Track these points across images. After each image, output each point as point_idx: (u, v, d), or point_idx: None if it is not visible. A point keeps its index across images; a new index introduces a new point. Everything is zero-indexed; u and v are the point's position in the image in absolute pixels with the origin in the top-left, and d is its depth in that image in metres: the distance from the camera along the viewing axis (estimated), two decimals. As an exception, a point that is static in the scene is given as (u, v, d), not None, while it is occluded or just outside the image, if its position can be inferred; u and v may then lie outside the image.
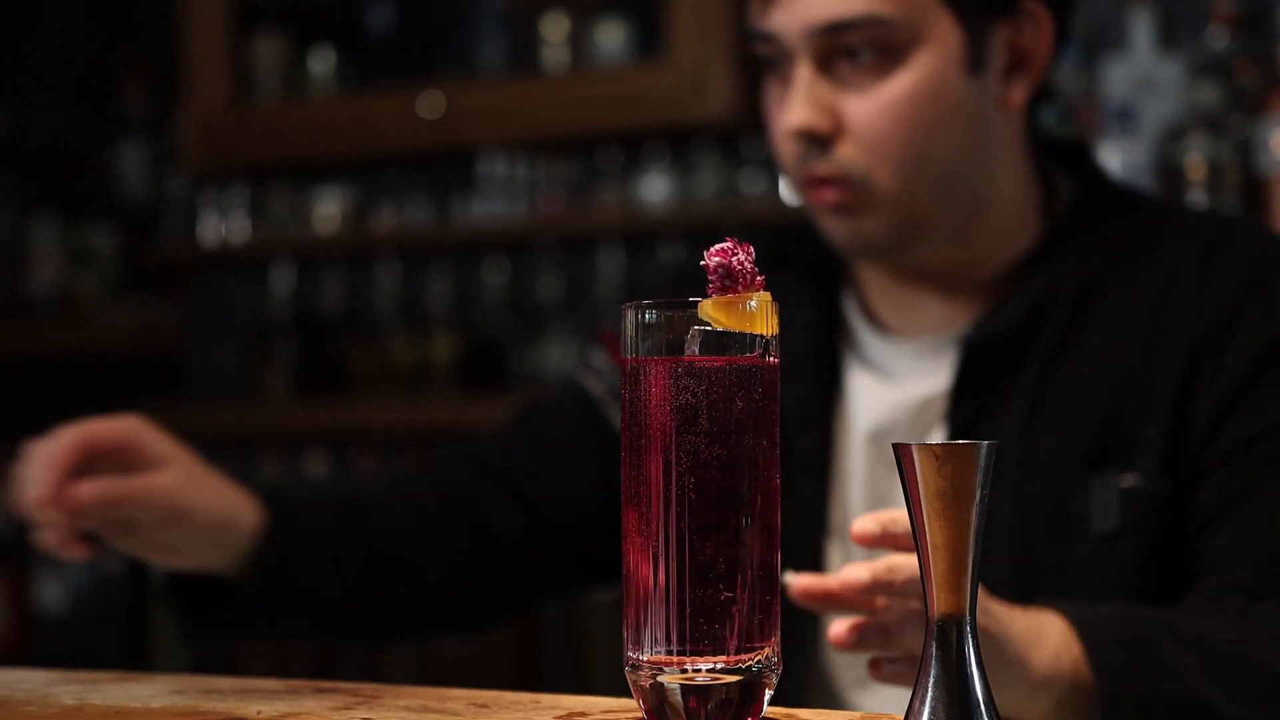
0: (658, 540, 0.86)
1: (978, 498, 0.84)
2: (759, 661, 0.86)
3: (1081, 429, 1.32)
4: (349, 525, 1.41)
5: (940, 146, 1.35)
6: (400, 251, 3.15)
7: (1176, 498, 1.31)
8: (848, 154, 1.34)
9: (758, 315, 0.87)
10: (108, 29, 3.55)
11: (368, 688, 1.01)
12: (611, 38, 2.92)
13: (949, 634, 0.85)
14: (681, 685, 0.85)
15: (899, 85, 1.33)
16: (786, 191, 1.46)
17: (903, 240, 1.38)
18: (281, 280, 3.24)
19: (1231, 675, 1.18)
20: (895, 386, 1.42)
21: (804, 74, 1.34)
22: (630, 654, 0.87)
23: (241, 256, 3.27)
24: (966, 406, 1.36)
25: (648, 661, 0.86)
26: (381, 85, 3.12)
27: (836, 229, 1.38)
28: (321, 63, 3.18)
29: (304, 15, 3.24)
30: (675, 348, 0.87)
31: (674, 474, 0.86)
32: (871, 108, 1.33)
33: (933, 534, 0.84)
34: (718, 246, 0.88)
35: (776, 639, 0.87)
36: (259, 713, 0.93)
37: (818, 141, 1.34)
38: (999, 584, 1.21)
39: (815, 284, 1.48)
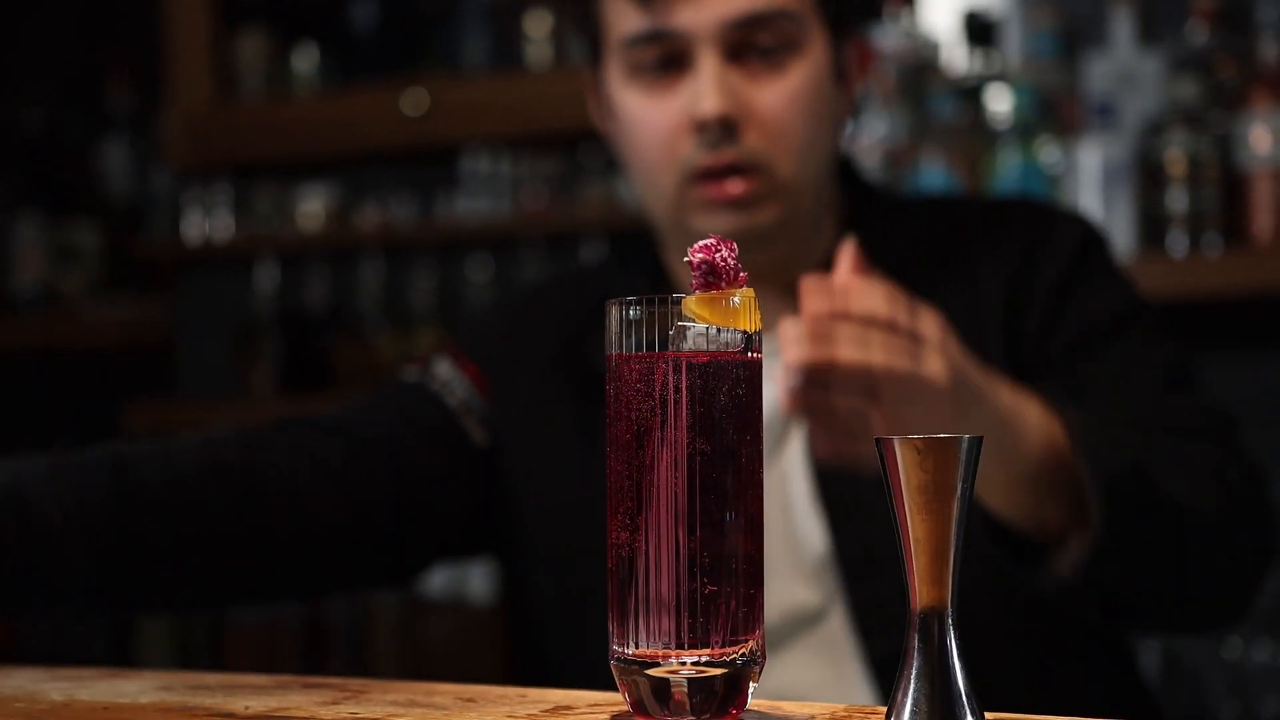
0: (643, 535, 0.86)
1: (959, 491, 0.85)
2: (744, 654, 0.87)
3: None
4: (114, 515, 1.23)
5: (821, 139, 1.47)
6: (384, 248, 3.15)
7: None
8: (753, 141, 1.41)
9: (741, 311, 0.88)
10: (92, 27, 3.55)
11: (355, 683, 1.01)
12: (595, 34, 2.92)
13: (931, 626, 0.85)
14: (667, 678, 0.86)
15: (799, 76, 1.43)
16: (644, 202, 1.52)
17: (779, 231, 1.45)
18: (266, 277, 3.24)
19: (1166, 456, 1.32)
20: None
21: (713, 65, 1.40)
22: (616, 647, 0.88)
23: (226, 254, 3.27)
24: None
25: (633, 655, 0.87)
26: (365, 82, 3.12)
27: (726, 222, 1.42)
28: (305, 60, 3.18)
29: (288, 12, 3.24)
30: (659, 343, 0.88)
31: (659, 469, 0.86)
32: (778, 96, 1.42)
33: (914, 527, 0.85)
34: (701, 243, 0.89)
35: (761, 632, 0.88)
36: (247, 708, 0.93)
37: (725, 130, 1.40)
38: (881, 521, 1.33)
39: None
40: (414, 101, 2.97)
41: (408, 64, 3.10)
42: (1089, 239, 1.52)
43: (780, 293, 1.49)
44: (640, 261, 1.57)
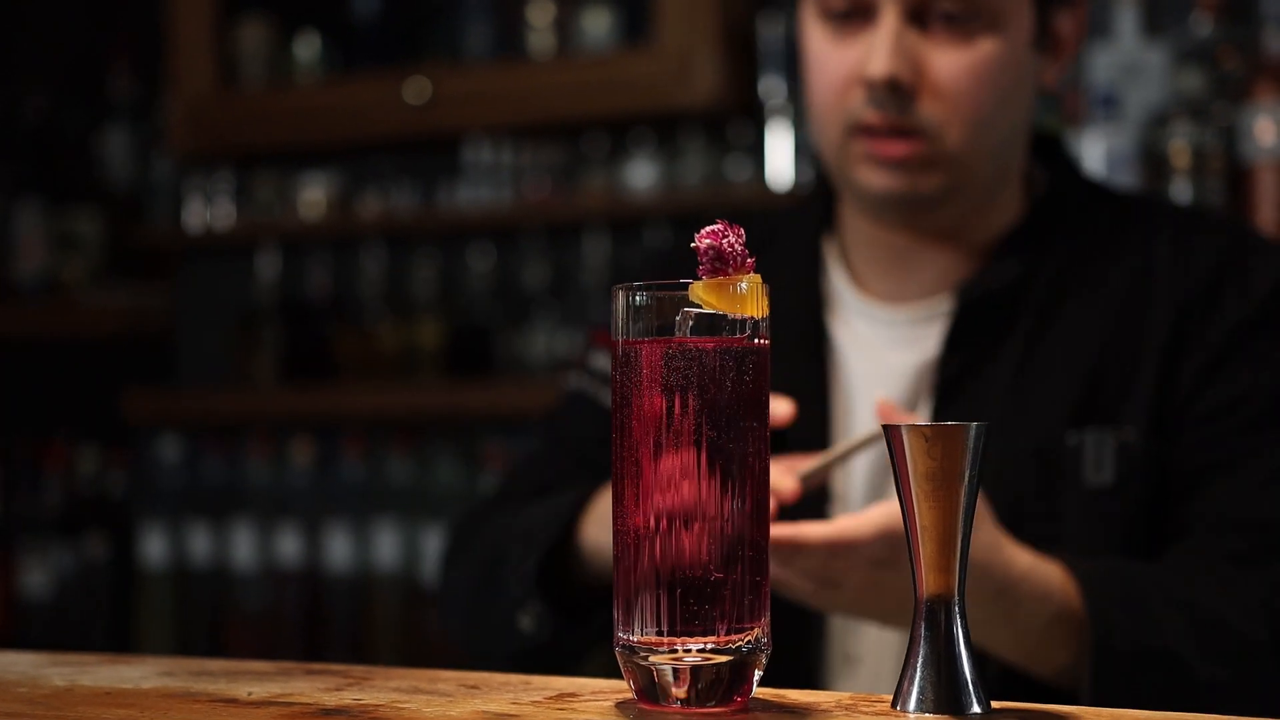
0: (649, 521, 0.86)
1: (966, 479, 0.85)
2: (749, 642, 0.86)
3: (1070, 386, 1.38)
4: None
5: (1005, 113, 1.40)
6: (386, 237, 3.15)
7: (1162, 456, 1.37)
8: (927, 107, 1.36)
9: (748, 297, 0.88)
10: (94, 14, 3.54)
11: (358, 669, 1.01)
12: (598, 24, 2.92)
13: (938, 614, 0.85)
14: (672, 666, 0.85)
15: (986, 48, 1.37)
16: (816, 144, 1.49)
17: (946, 198, 1.40)
18: (267, 266, 3.24)
19: (1209, 637, 1.27)
20: (889, 356, 1.44)
21: (894, 24, 1.35)
22: (621, 635, 0.87)
23: (227, 242, 3.26)
24: (957, 361, 1.41)
25: (639, 642, 0.86)
26: (367, 71, 3.11)
27: (885, 181, 1.38)
28: (307, 48, 3.18)
29: (289, 1, 3.23)
30: (666, 329, 0.87)
31: (665, 455, 0.86)
32: (959, 65, 1.36)
33: (921, 515, 0.85)
34: (708, 229, 0.88)
35: (766, 619, 0.88)
36: (250, 694, 0.93)
37: (896, 92, 1.35)
38: None
39: (796, 264, 1.50)
40: (416, 90, 2.97)
41: (410, 52, 3.09)
42: None
43: (955, 256, 1.46)
44: (814, 205, 1.54)
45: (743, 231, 0.88)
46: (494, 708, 0.88)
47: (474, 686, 0.94)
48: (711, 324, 0.87)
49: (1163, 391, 1.38)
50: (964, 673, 0.85)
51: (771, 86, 2.78)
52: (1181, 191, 2.35)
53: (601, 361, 1.53)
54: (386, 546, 2.99)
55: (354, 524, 3.04)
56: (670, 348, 0.86)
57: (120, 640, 3.18)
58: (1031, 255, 1.43)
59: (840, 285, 1.49)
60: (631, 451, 0.87)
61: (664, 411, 0.86)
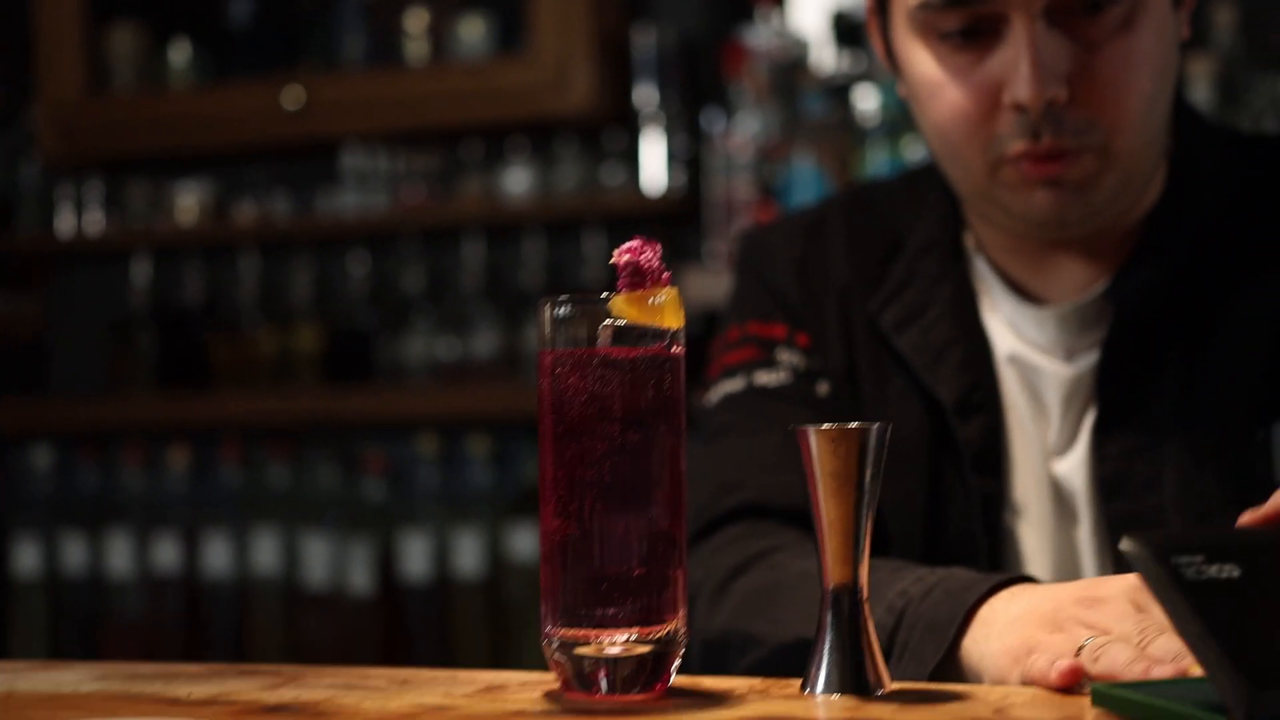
0: (575, 521, 0.91)
1: (868, 476, 0.92)
2: (667, 633, 0.92)
3: (1247, 381, 1.24)
4: None
5: (1164, 91, 1.23)
6: (261, 244, 3.16)
7: None
8: (1084, 118, 1.20)
9: (665, 309, 0.93)
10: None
11: (287, 669, 1.05)
12: (473, 31, 2.96)
13: (842, 602, 0.92)
14: (595, 657, 0.91)
15: (1137, 29, 1.19)
16: (945, 170, 1.30)
17: (1112, 202, 1.25)
18: (141, 273, 3.23)
19: None
20: (1051, 360, 1.31)
21: (1034, 37, 1.17)
22: (547, 629, 0.93)
23: (99, 249, 3.25)
24: (1120, 370, 1.26)
25: (564, 635, 0.92)
26: (242, 78, 3.12)
27: (1050, 204, 1.22)
28: (180, 54, 3.17)
29: (161, 6, 3.22)
30: (589, 340, 0.93)
31: (589, 459, 0.91)
32: (1119, 62, 1.19)
33: (828, 510, 0.92)
34: (627, 245, 0.94)
35: (683, 613, 0.94)
36: (190, 694, 0.97)
37: (1051, 111, 1.19)
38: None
39: (941, 257, 1.36)
40: (292, 97, 2.98)
41: (285, 60, 3.11)
42: None
43: (1102, 248, 1.29)
44: (940, 200, 1.37)
45: (659, 247, 0.94)
46: (429, 700, 0.92)
47: (405, 681, 0.99)
48: (631, 335, 0.93)
49: None
50: (866, 655, 0.92)
51: (645, 95, 2.84)
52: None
53: (788, 357, 1.37)
54: (265, 552, 3.00)
55: (232, 530, 3.04)
56: (593, 358, 0.92)
57: (-6, 651, 3.14)
58: (1180, 236, 1.27)
59: (987, 280, 1.34)
60: (559, 455, 0.92)
61: (587, 418, 0.92)
